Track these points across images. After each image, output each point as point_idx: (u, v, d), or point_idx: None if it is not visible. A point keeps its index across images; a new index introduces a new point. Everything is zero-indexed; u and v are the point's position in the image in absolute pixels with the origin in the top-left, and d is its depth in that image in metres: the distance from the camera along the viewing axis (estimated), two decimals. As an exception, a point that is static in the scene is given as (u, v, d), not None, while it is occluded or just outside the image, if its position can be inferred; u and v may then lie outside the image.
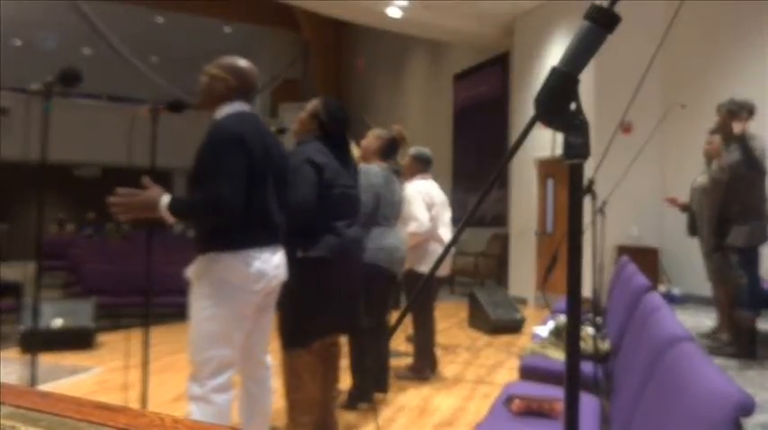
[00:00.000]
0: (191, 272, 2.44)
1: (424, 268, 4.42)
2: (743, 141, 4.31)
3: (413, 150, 4.72)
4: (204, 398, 2.36)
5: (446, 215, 4.75)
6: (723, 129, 4.62)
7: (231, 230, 2.37)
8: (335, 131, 3.06)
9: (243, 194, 2.32)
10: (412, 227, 4.34)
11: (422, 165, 4.68)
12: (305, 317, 2.86)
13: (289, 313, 2.87)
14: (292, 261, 2.70)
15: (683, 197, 5.54)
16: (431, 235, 4.49)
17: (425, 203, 4.49)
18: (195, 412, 2.36)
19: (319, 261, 2.85)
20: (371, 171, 3.80)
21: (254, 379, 2.65)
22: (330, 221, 2.94)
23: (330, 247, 2.90)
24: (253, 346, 2.59)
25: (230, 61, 2.55)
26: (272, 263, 2.45)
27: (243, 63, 2.56)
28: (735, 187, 4.48)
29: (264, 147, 2.46)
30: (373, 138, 3.96)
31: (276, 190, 2.53)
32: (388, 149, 3.97)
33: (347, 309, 3.04)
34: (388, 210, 3.90)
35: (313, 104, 3.10)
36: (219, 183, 2.31)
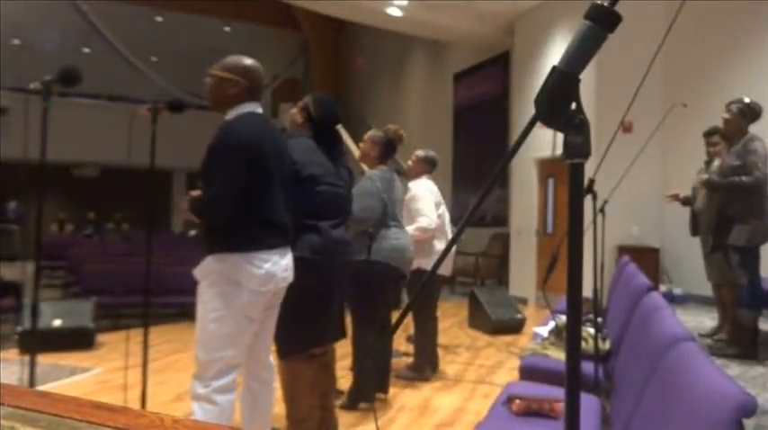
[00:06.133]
0: (198, 271, 2.42)
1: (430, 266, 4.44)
2: (746, 144, 4.35)
3: (422, 152, 4.78)
4: (207, 399, 2.35)
5: (446, 215, 4.83)
6: (731, 129, 4.60)
7: (242, 232, 2.37)
8: (325, 126, 3.01)
9: (239, 198, 2.33)
10: (423, 222, 4.36)
11: (429, 167, 4.75)
12: (295, 323, 2.77)
13: (280, 319, 2.82)
14: None
15: (684, 193, 5.54)
16: (438, 232, 4.54)
17: (435, 201, 4.57)
18: (198, 412, 2.35)
19: (299, 262, 2.69)
20: (375, 176, 3.80)
21: (257, 378, 2.64)
22: (313, 220, 2.83)
23: (311, 247, 2.79)
24: (258, 347, 2.58)
25: (238, 62, 2.51)
26: (281, 265, 2.45)
27: (250, 62, 2.53)
28: (735, 187, 4.47)
29: (275, 149, 2.47)
30: (371, 142, 3.94)
31: (287, 191, 2.53)
32: (387, 151, 3.97)
33: (335, 314, 3.00)
34: (396, 211, 3.92)
35: (304, 100, 3.09)
36: (219, 184, 2.33)
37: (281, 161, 2.52)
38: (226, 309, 2.35)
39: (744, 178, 4.35)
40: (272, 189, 2.44)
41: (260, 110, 2.53)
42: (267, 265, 2.38)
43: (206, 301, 2.39)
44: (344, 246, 3.01)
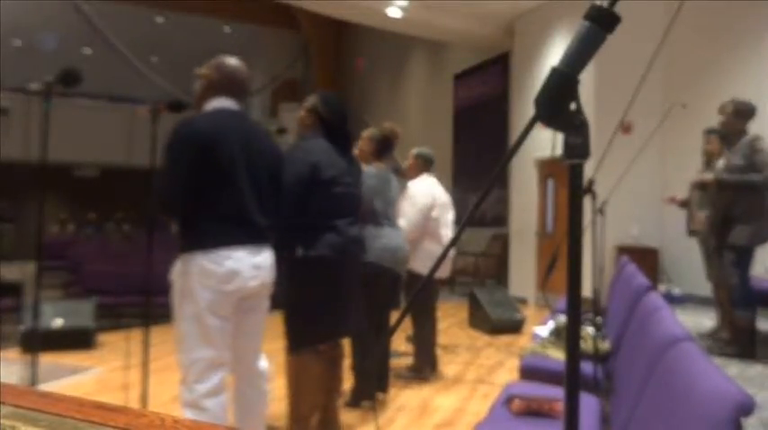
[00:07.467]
0: (173, 274, 2.44)
1: (420, 267, 4.41)
2: (752, 144, 4.35)
3: (416, 150, 4.74)
4: (196, 405, 2.33)
5: (448, 215, 4.76)
6: (729, 129, 4.59)
7: (201, 229, 2.36)
8: (336, 126, 3.02)
9: (182, 189, 2.32)
10: (401, 223, 4.34)
11: (425, 165, 4.71)
12: (309, 318, 2.82)
13: (293, 315, 2.85)
14: (293, 260, 2.68)
15: (682, 195, 5.54)
16: (424, 233, 4.49)
17: (427, 203, 4.51)
18: (189, 418, 2.33)
19: (320, 260, 2.81)
20: (367, 172, 3.81)
21: (247, 382, 2.61)
22: (331, 220, 2.90)
23: (331, 246, 2.86)
24: (242, 350, 2.54)
25: (216, 59, 2.52)
26: (247, 262, 2.38)
27: (229, 61, 2.52)
28: (746, 185, 4.46)
29: (245, 145, 2.42)
30: (367, 140, 3.96)
31: (262, 188, 2.48)
32: (383, 148, 3.97)
33: (350, 310, 3.03)
34: (390, 210, 3.91)
35: (311, 100, 3.08)
36: (163, 175, 2.36)
37: (255, 158, 2.45)
38: (193, 308, 2.34)
39: (755, 176, 4.36)
40: (236, 185, 2.39)
41: (233, 106, 2.48)
42: (229, 262, 2.33)
43: (176, 303, 2.40)
44: (359, 243, 3.10)
